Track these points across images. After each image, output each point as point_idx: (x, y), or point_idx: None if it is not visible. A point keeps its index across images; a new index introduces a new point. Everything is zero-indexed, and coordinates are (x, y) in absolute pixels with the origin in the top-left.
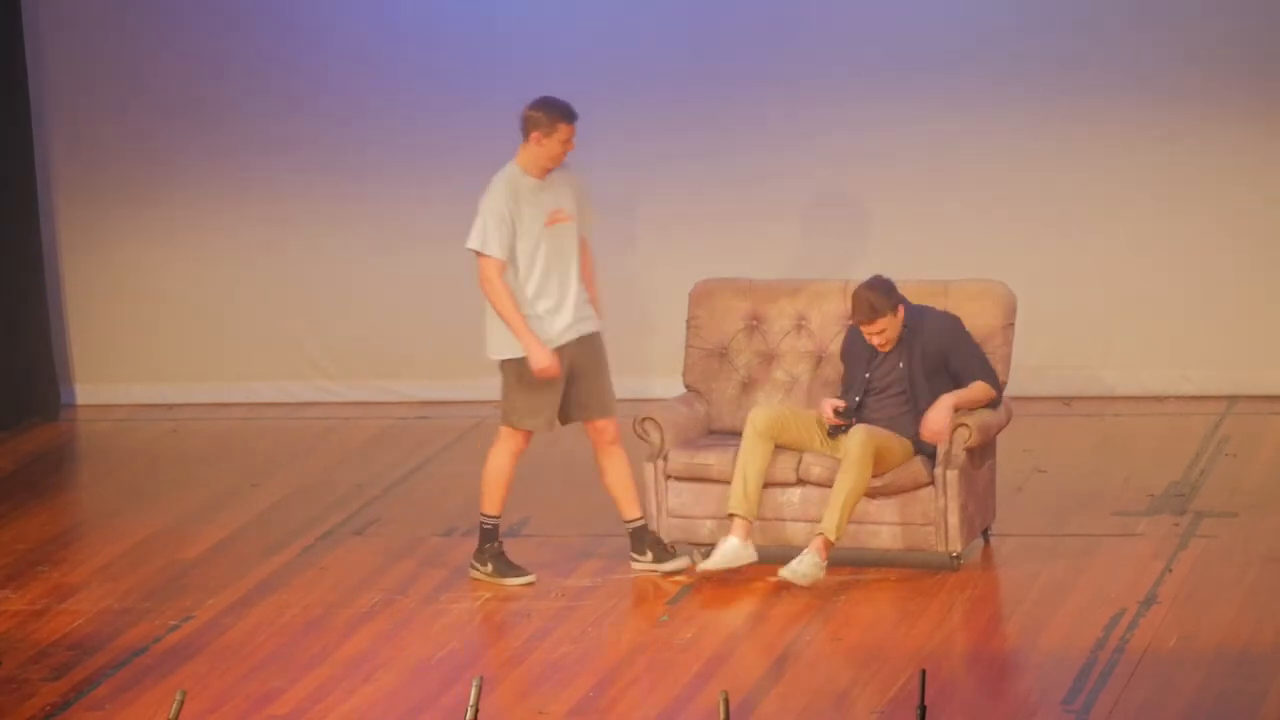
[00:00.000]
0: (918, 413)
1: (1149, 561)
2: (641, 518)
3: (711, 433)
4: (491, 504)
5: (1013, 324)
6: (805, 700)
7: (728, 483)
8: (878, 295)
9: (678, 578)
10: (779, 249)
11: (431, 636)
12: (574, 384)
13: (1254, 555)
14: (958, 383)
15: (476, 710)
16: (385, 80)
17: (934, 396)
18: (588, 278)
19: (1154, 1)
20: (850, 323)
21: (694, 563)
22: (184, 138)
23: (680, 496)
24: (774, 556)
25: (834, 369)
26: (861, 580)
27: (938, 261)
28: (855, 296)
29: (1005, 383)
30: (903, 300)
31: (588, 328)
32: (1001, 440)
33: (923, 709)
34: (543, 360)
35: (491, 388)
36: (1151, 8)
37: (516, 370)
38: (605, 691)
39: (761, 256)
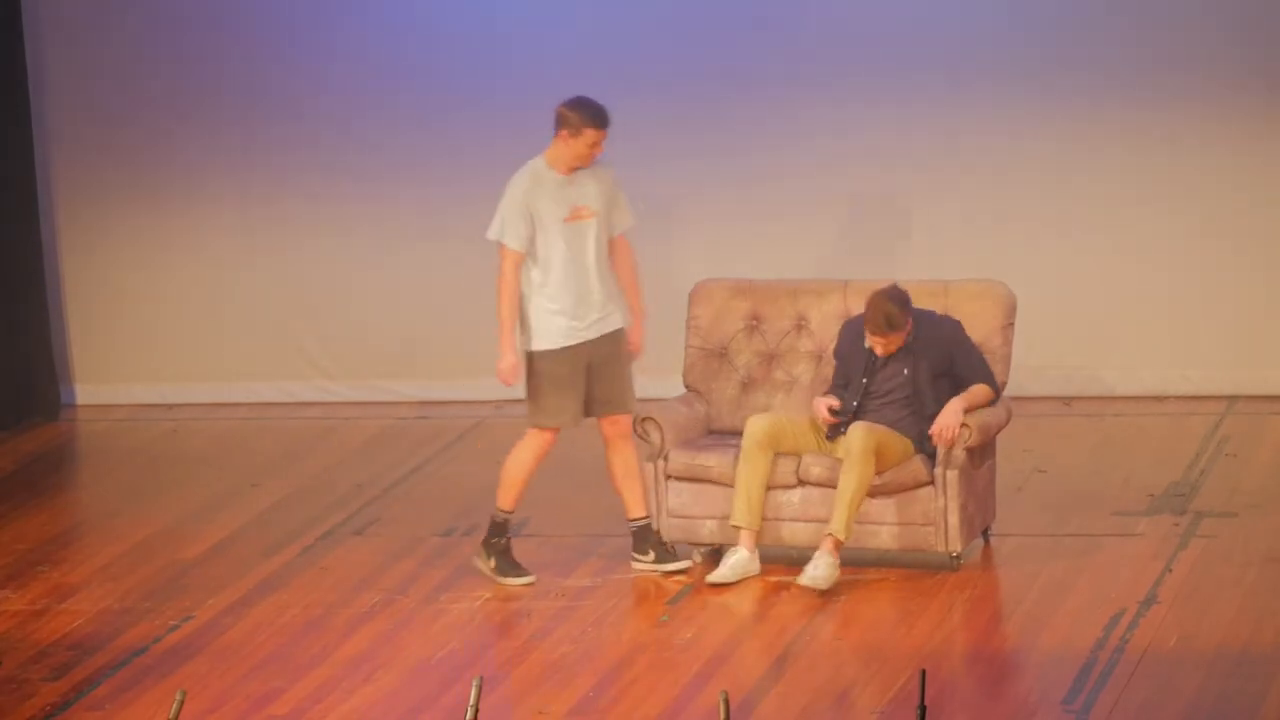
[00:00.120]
0: (921, 417)
1: (1149, 561)
2: (646, 517)
3: (711, 433)
4: (506, 498)
5: (1013, 324)
6: (805, 700)
7: (728, 484)
8: (896, 310)
9: (679, 577)
10: (779, 249)
11: (431, 636)
12: (594, 378)
13: (1254, 555)
14: (960, 385)
15: (476, 710)
16: (385, 81)
17: (938, 400)
18: (629, 278)
19: (1154, 2)
20: (847, 320)
21: (695, 563)
22: (184, 138)
23: (680, 497)
24: (775, 557)
25: (833, 368)
26: (861, 580)
27: (938, 261)
28: (873, 306)
29: (1005, 383)
30: (912, 311)
31: (611, 325)
32: (1001, 440)
33: (923, 709)
34: (502, 365)
35: (491, 388)
36: (1152, 8)
37: (539, 364)
38: (605, 691)
39: (761, 256)
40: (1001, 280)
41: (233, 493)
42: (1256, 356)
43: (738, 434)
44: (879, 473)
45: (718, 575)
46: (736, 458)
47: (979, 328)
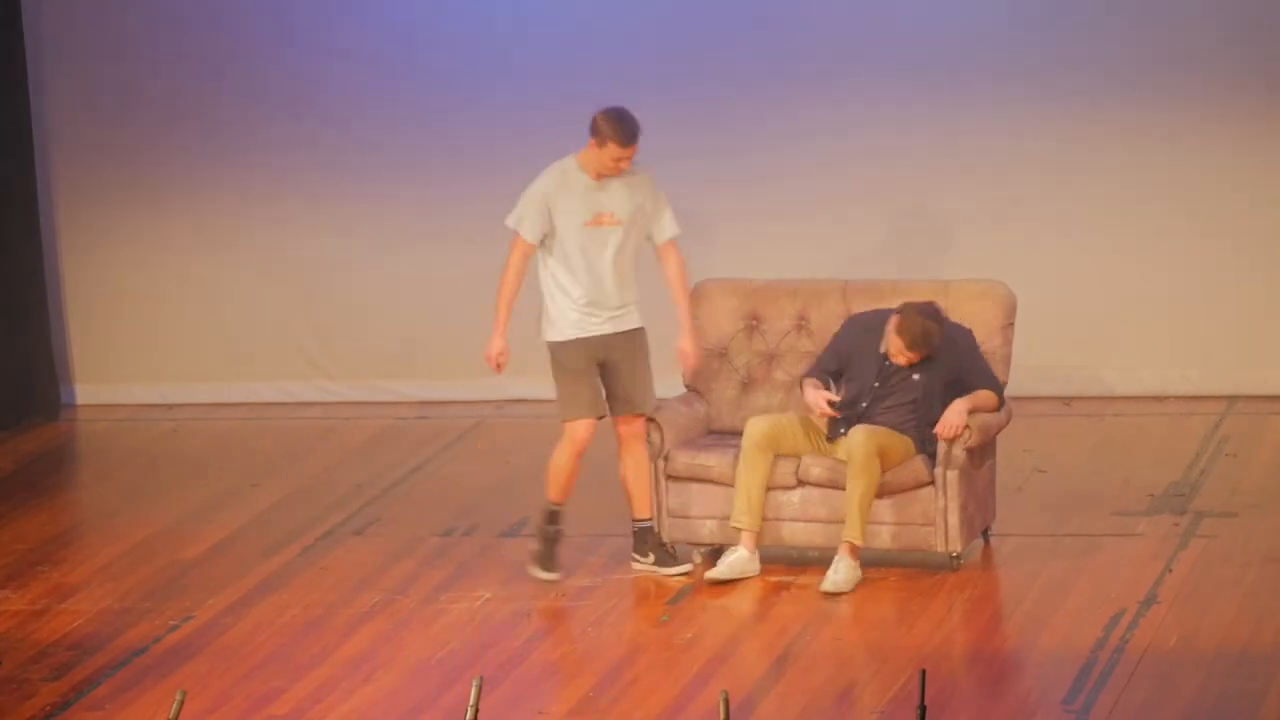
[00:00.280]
0: (925, 422)
1: (1149, 561)
2: (650, 519)
3: (711, 433)
4: (551, 491)
5: (1013, 324)
6: (805, 700)
7: (728, 484)
8: (936, 328)
9: (679, 578)
10: (779, 249)
11: (431, 636)
12: (610, 377)
13: (1254, 555)
14: (965, 393)
15: (476, 710)
16: (385, 81)
17: (944, 406)
18: (677, 288)
19: (1155, 2)
20: (854, 316)
21: (696, 563)
22: (184, 138)
23: (681, 497)
24: (775, 557)
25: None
26: (862, 580)
27: (938, 261)
28: (910, 322)
29: (1005, 382)
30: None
31: (627, 324)
32: (1001, 440)
33: (923, 709)
34: (489, 350)
35: (491, 387)
36: (1152, 8)
37: (554, 355)
38: (605, 691)
39: (761, 256)
40: (1001, 280)
41: (233, 493)
42: (1256, 356)
43: (738, 434)
44: (885, 470)
45: (715, 572)
46: (737, 458)
47: (979, 328)
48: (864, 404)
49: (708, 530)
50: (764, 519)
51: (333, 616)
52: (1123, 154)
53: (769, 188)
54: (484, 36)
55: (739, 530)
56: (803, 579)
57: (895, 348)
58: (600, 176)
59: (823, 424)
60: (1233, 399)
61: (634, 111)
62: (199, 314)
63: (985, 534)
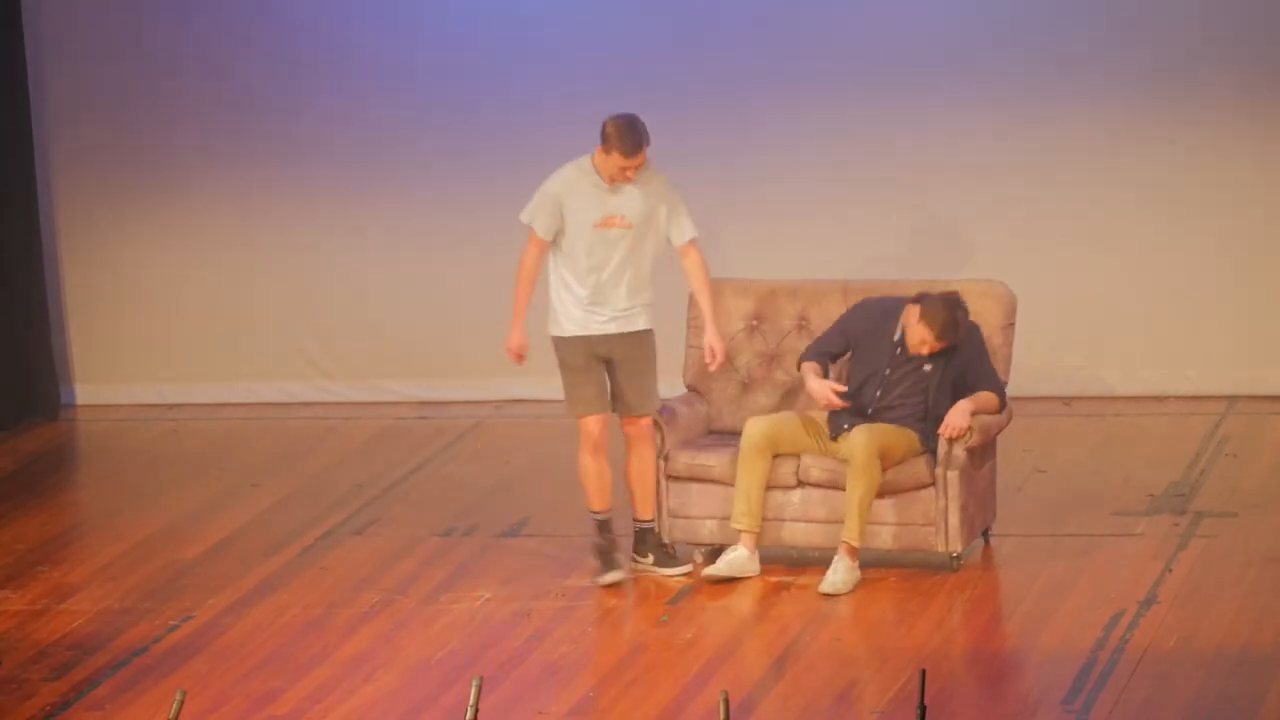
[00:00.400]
0: (930, 417)
1: (1149, 561)
2: (652, 520)
3: (712, 433)
4: (589, 501)
5: (1013, 324)
6: (805, 700)
7: (728, 483)
8: (963, 316)
9: (679, 578)
10: (779, 249)
11: (431, 636)
12: (616, 377)
13: (1254, 555)
14: (967, 390)
15: (476, 710)
16: (386, 81)
17: (949, 399)
18: (700, 287)
19: (1154, 4)
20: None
21: (696, 562)
22: (183, 138)
23: (681, 497)
24: (775, 557)
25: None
26: (862, 580)
27: (938, 261)
28: (936, 312)
29: (1005, 382)
30: None
31: (633, 325)
32: (1001, 440)
33: (923, 709)
34: (509, 343)
35: (491, 387)
36: (1152, 10)
37: (558, 351)
38: (605, 691)
39: (761, 257)
40: (1001, 280)
41: (233, 493)
42: (1256, 356)
43: (738, 434)
44: (887, 469)
45: (713, 570)
46: (734, 458)
47: (980, 327)
48: (877, 392)
49: (708, 530)
50: (764, 519)
51: (333, 616)
52: (1123, 154)
53: (769, 188)
54: (485, 37)
55: (739, 531)
56: (803, 579)
57: (919, 338)
58: (612, 181)
59: (823, 419)
60: (1233, 399)
61: (634, 111)
62: (199, 314)
63: (985, 534)
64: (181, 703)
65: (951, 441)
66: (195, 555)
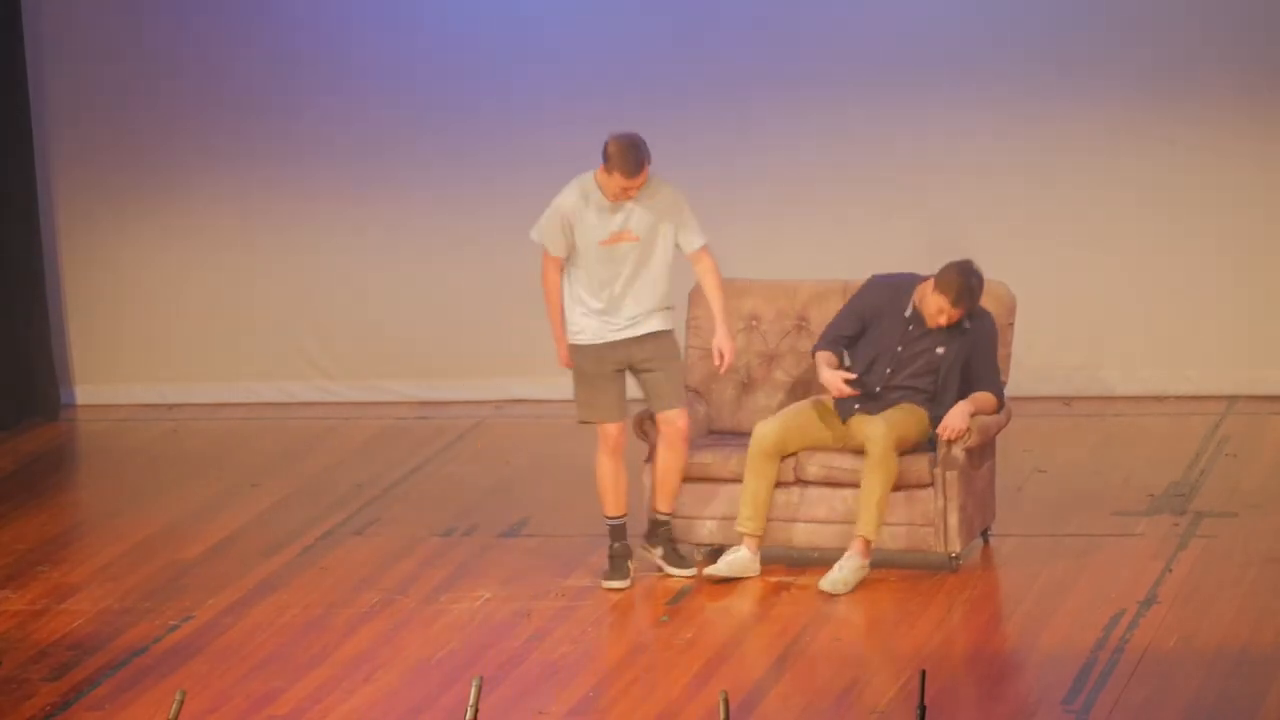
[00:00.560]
0: (938, 401)
1: (1149, 561)
2: (669, 515)
3: (711, 433)
4: (604, 506)
5: (1012, 324)
6: (805, 700)
7: (727, 482)
8: (978, 285)
9: (678, 578)
10: (778, 249)
11: (431, 636)
12: (641, 379)
13: (1254, 555)
14: (967, 380)
15: (476, 710)
16: (386, 81)
17: (957, 386)
18: (711, 292)
19: (1154, 4)
20: (877, 277)
21: (697, 560)
22: (183, 138)
23: (680, 497)
24: (775, 557)
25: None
26: (862, 580)
27: (938, 261)
28: (952, 278)
29: (1005, 381)
30: None
31: (648, 328)
32: (1001, 440)
33: (923, 709)
34: (560, 361)
35: (491, 387)
36: (1152, 10)
37: (573, 358)
38: (605, 691)
39: (761, 257)
40: (1001, 280)
41: (233, 493)
42: (1256, 356)
43: (738, 434)
44: (905, 454)
45: (714, 569)
46: (732, 457)
47: (993, 316)
48: (887, 369)
49: (708, 530)
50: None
51: (333, 616)
52: (1123, 154)
53: (769, 188)
54: (485, 37)
55: (742, 534)
56: (803, 579)
57: (935, 307)
58: (616, 199)
59: (833, 402)
60: (1233, 399)
61: (634, 112)
62: (199, 314)
63: (985, 534)
64: (181, 703)
65: (950, 443)
66: (195, 555)
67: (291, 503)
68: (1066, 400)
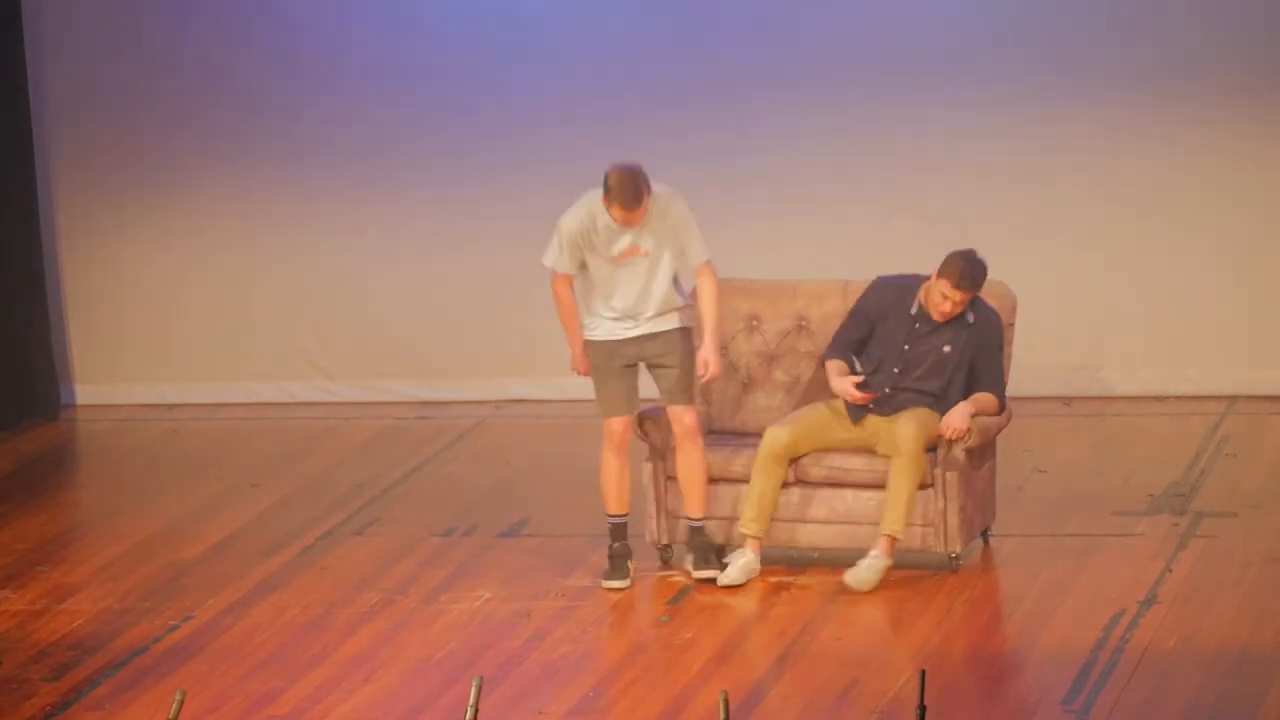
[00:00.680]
0: (946, 400)
1: (1149, 561)
2: (698, 519)
3: (711, 433)
4: (605, 504)
5: (1013, 324)
6: (805, 700)
7: (728, 482)
8: (981, 270)
9: (678, 578)
10: (778, 249)
11: (431, 636)
12: (654, 375)
13: (1254, 555)
14: (972, 380)
15: (476, 710)
16: (386, 81)
17: (962, 385)
18: (706, 306)
19: (1154, 4)
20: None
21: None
22: (183, 138)
23: (680, 497)
24: (775, 558)
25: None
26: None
27: (938, 261)
28: (957, 263)
29: (1006, 382)
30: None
31: (662, 326)
32: (1001, 440)
33: (922, 709)
34: (573, 365)
35: (491, 387)
36: (1152, 10)
37: (589, 355)
38: (605, 691)
39: (761, 256)
40: (1001, 280)
41: (233, 493)
42: (1256, 356)
43: (738, 434)
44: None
45: (727, 578)
46: (734, 458)
47: (1000, 315)
48: (895, 369)
49: (707, 531)
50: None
51: (333, 616)
52: (1123, 155)
53: (769, 188)
54: (485, 37)
55: (745, 536)
56: (803, 579)
57: (939, 295)
58: (620, 224)
59: (844, 404)
60: (1233, 399)
61: (633, 114)
62: (199, 314)
63: (985, 534)
64: (181, 703)
65: (951, 444)
66: (195, 555)
67: (291, 503)
68: (1066, 400)
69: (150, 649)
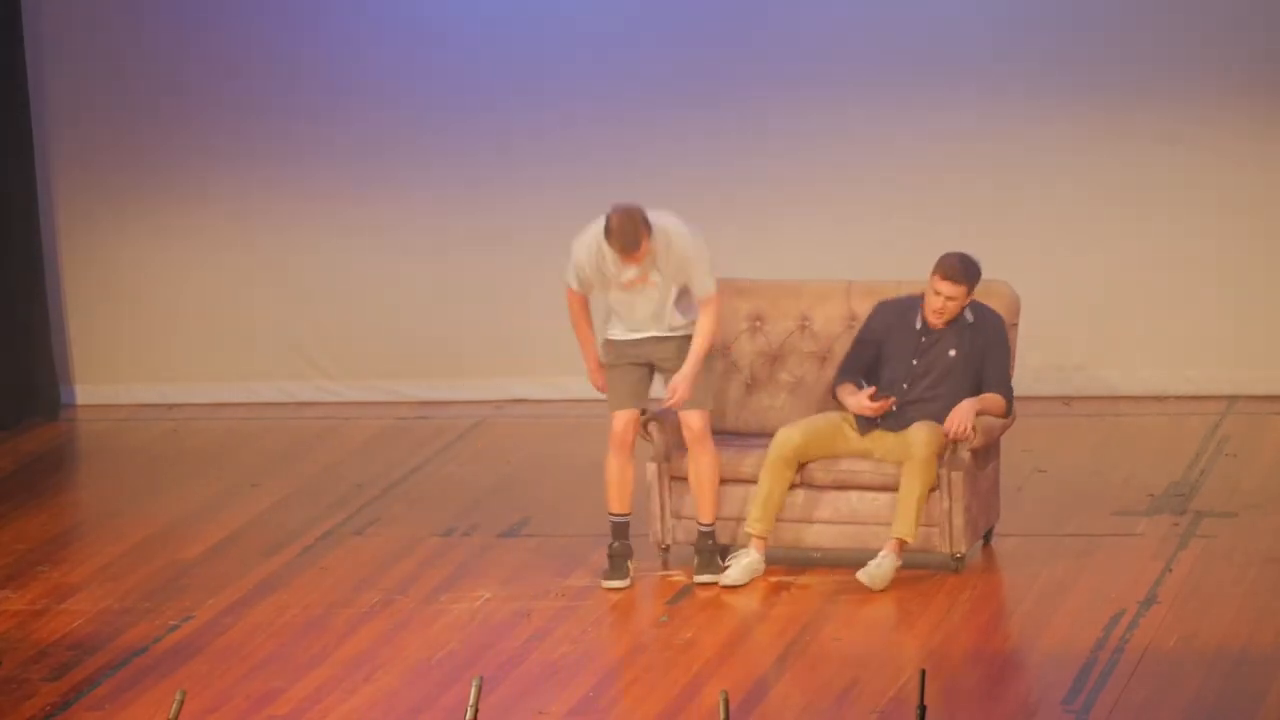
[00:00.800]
0: (955, 404)
1: (1149, 561)
2: (707, 525)
3: (714, 433)
4: (607, 502)
5: (1016, 324)
6: (805, 700)
7: (735, 482)
8: (972, 265)
9: (678, 577)
10: (779, 249)
11: (431, 636)
12: (666, 377)
13: (1254, 555)
14: (979, 384)
15: (476, 710)
16: (386, 82)
17: (969, 391)
18: (697, 334)
19: (1155, 4)
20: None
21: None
22: (183, 139)
23: (684, 498)
24: (776, 558)
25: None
26: (857, 575)
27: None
28: (946, 257)
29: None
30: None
31: (678, 332)
32: (1002, 440)
33: (923, 709)
34: (593, 382)
35: (491, 387)
36: (1152, 10)
37: (602, 351)
38: (605, 691)
39: (764, 256)
40: (1005, 280)
41: (233, 493)
42: (1256, 356)
43: (740, 435)
44: None
45: (730, 578)
46: (736, 459)
47: (1003, 318)
48: (904, 384)
49: (715, 536)
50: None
51: (333, 616)
52: (1123, 154)
53: (769, 188)
54: (486, 37)
55: (750, 535)
56: (803, 579)
57: (933, 291)
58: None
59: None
60: (1233, 399)
61: (634, 114)
62: (199, 314)
63: (987, 534)
64: (181, 703)
65: (955, 442)
66: (195, 555)
67: (291, 503)
68: (1066, 400)
69: (150, 649)
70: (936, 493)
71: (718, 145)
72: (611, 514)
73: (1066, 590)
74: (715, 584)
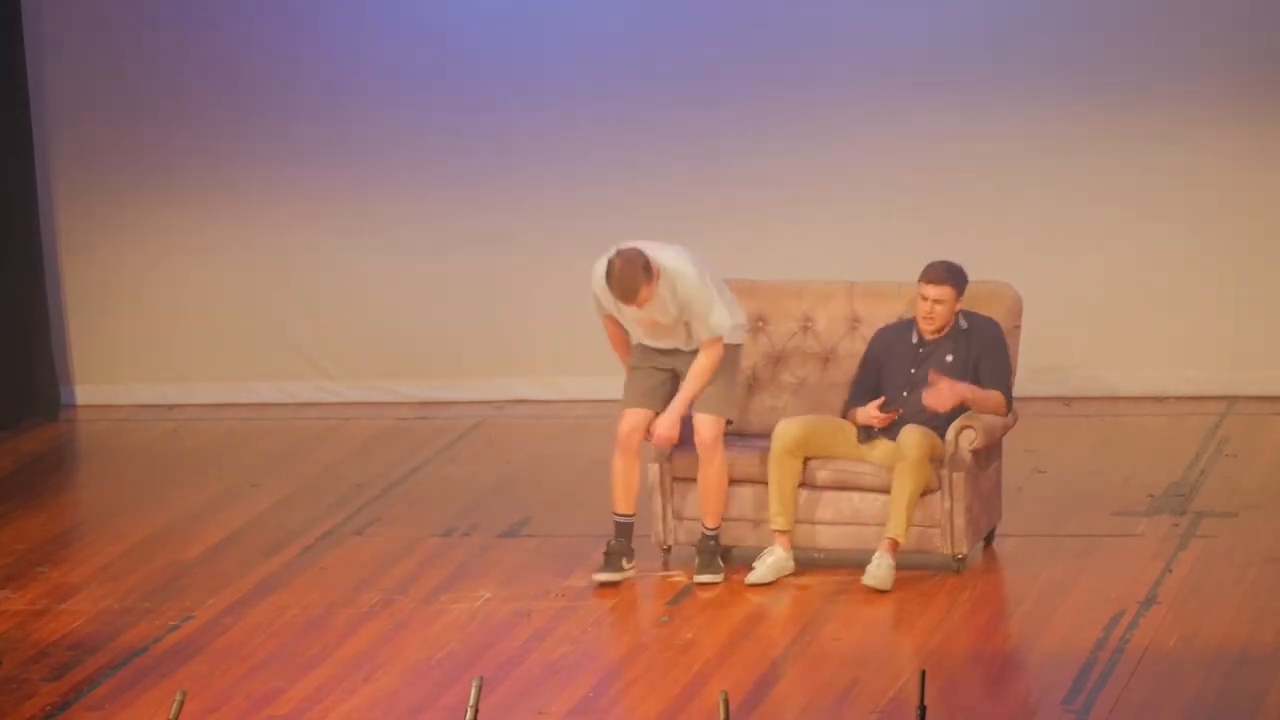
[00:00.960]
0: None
1: (1149, 561)
2: (711, 530)
3: None
4: (612, 501)
5: (1019, 326)
6: (805, 700)
7: (734, 483)
8: (955, 268)
9: (678, 578)
10: (779, 249)
11: (431, 636)
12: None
13: (1254, 555)
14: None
15: (476, 710)
16: (386, 83)
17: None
18: (693, 373)
19: (1154, 4)
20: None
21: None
22: (184, 139)
23: (687, 498)
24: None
25: (841, 371)
26: (862, 580)
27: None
28: (931, 264)
29: (1012, 384)
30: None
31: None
32: (1003, 441)
33: (923, 709)
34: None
35: (491, 387)
36: (1151, 11)
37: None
38: (605, 691)
39: (766, 257)
40: (1007, 282)
41: (233, 493)
42: (1256, 356)
43: (743, 435)
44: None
45: (757, 576)
46: (738, 459)
47: (998, 324)
48: (905, 393)
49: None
50: (764, 520)
51: (333, 616)
52: (1123, 154)
53: (770, 188)
54: (486, 37)
55: (775, 532)
56: (803, 579)
57: (919, 297)
58: None
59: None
60: (1233, 399)
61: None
62: (199, 314)
63: (988, 535)
64: (181, 703)
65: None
66: (195, 555)
67: (291, 503)
68: (1066, 400)
69: (150, 649)
70: (938, 493)
71: (718, 145)
72: (615, 514)
73: (1066, 590)
74: (716, 584)
